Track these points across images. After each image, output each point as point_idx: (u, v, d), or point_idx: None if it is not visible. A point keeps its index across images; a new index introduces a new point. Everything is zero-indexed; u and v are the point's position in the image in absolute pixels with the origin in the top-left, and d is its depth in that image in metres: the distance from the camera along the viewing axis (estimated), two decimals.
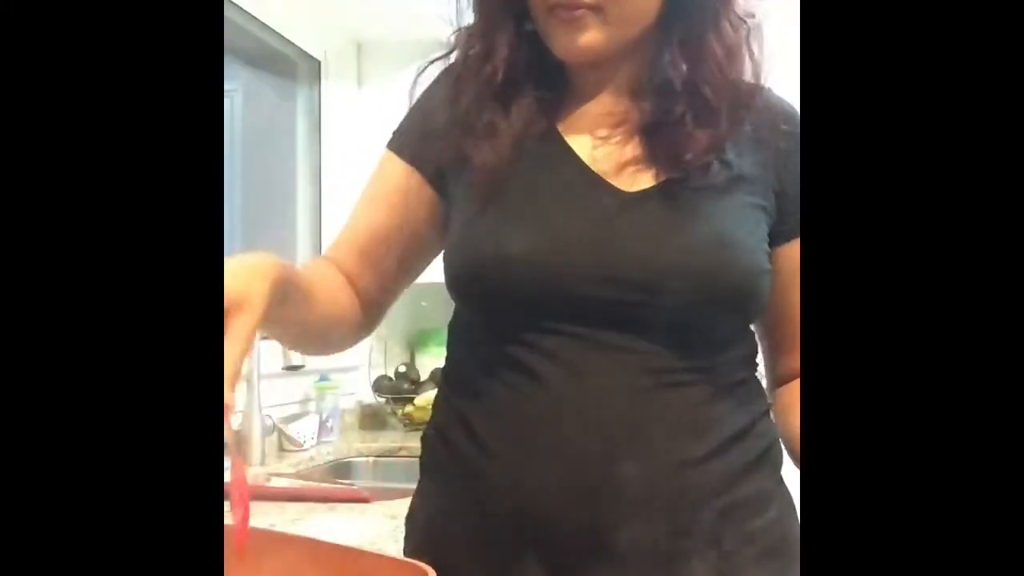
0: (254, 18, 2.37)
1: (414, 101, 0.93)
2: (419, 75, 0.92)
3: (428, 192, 0.90)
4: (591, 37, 0.80)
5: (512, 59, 0.84)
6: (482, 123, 0.84)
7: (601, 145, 0.83)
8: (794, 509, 0.85)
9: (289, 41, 2.55)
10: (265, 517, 1.48)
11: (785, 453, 0.87)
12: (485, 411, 0.82)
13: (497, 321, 0.83)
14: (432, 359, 2.93)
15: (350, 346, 0.94)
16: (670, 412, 0.78)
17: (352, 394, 2.72)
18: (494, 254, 0.80)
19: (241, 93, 2.59)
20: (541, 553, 0.79)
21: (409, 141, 0.92)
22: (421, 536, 0.88)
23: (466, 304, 0.86)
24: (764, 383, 0.91)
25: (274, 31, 2.47)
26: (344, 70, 2.75)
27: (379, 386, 2.75)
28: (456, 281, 0.84)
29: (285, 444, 2.21)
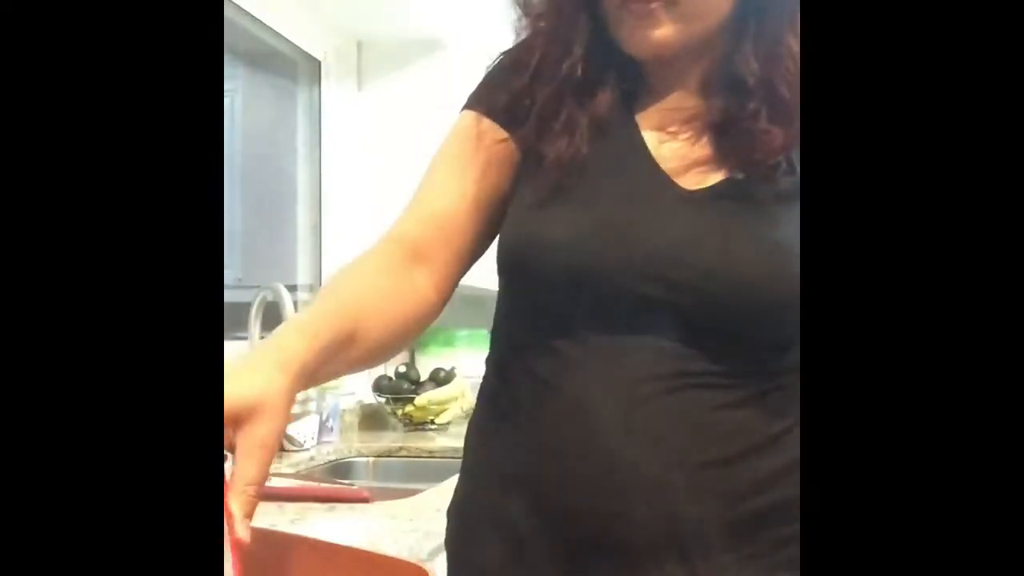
0: (254, 18, 2.37)
1: (491, 69, 0.89)
2: (493, 65, 0.88)
3: (518, 156, 0.86)
4: (665, 32, 0.78)
5: (589, 54, 0.83)
6: (560, 120, 0.82)
7: (670, 141, 0.82)
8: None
9: (289, 41, 2.55)
10: (265, 517, 1.48)
11: None
12: (514, 402, 0.82)
13: (536, 308, 0.81)
14: (432, 359, 2.92)
15: (422, 333, 0.89)
16: (696, 414, 0.77)
17: (352, 394, 2.72)
18: (547, 241, 0.78)
19: (241, 93, 2.59)
20: (558, 547, 0.78)
21: (499, 108, 0.87)
22: (452, 524, 0.89)
23: (509, 287, 0.84)
24: None
25: (274, 31, 2.47)
26: (344, 70, 2.74)
27: (379, 386, 2.75)
28: (503, 263, 0.82)
29: (285, 444, 2.20)
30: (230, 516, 0.59)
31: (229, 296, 2.23)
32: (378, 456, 2.40)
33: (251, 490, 0.59)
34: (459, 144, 0.88)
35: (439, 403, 2.68)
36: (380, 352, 0.83)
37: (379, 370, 2.82)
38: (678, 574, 0.77)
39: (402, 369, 2.81)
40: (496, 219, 0.87)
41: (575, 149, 0.81)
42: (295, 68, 2.70)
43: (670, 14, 0.78)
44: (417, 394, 2.70)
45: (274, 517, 1.48)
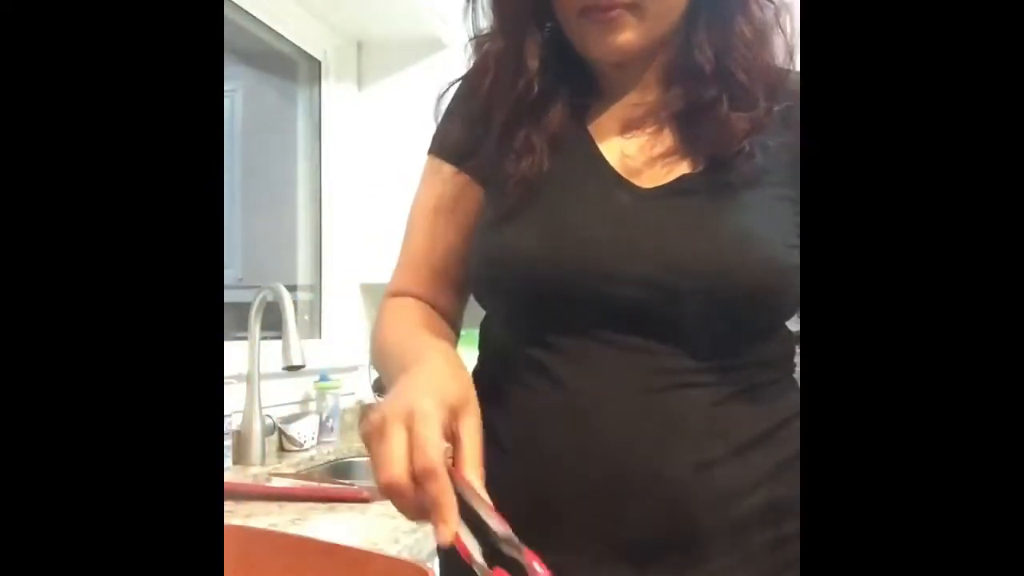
0: (254, 18, 2.37)
1: (444, 107, 0.92)
2: (442, 96, 0.90)
3: (483, 195, 0.89)
4: (628, 36, 0.79)
5: (542, 69, 0.83)
6: (519, 140, 0.83)
7: (630, 141, 0.82)
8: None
9: (289, 41, 2.55)
10: (265, 517, 1.48)
11: None
12: (504, 410, 0.82)
13: (516, 322, 0.83)
14: None
15: None
16: (686, 413, 0.77)
17: (352, 394, 2.72)
18: (511, 256, 0.80)
19: (241, 93, 2.59)
20: (552, 551, 0.78)
21: (455, 147, 0.90)
22: None
23: (487, 306, 0.86)
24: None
25: (274, 31, 2.47)
26: (344, 70, 2.74)
27: (379, 386, 2.75)
28: (478, 282, 0.84)
29: (285, 444, 2.20)
30: (470, 486, 0.66)
31: (229, 296, 2.24)
32: None
33: (481, 466, 0.66)
34: (427, 191, 0.92)
35: None
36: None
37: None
38: None
39: None
40: None
41: (537, 168, 0.82)
42: (295, 68, 2.70)
43: (633, 17, 0.78)
44: None
45: (274, 517, 1.48)
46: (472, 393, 0.71)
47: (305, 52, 2.63)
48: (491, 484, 0.81)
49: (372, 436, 0.67)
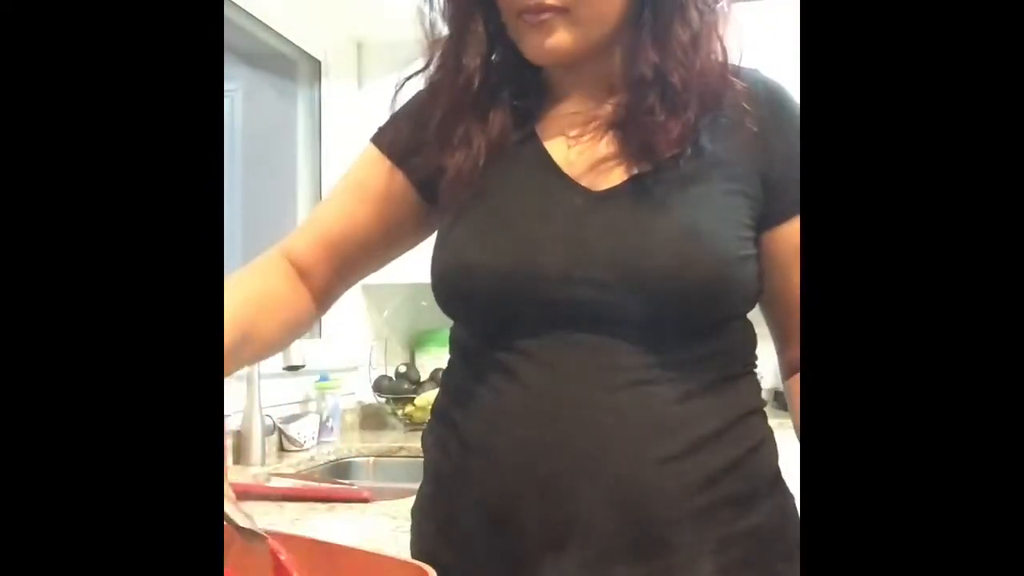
0: (254, 18, 2.37)
1: (398, 107, 0.94)
2: (398, 90, 0.93)
3: (413, 197, 0.91)
4: (559, 39, 0.80)
5: (485, 67, 0.85)
6: (458, 134, 0.85)
7: (575, 144, 0.84)
8: (794, 513, 0.84)
9: (289, 41, 2.55)
10: (265, 517, 1.48)
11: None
12: (469, 411, 0.83)
13: (477, 327, 0.85)
14: (432, 359, 2.93)
15: (299, 335, 0.96)
16: (645, 409, 0.78)
17: (352, 394, 2.72)
18: (463, 264, 0.82)
19: (241, 93, 2.59)
20: (509, 545, 0.79)
21: (397, 144, 0.92)
22: (415, 529, 0.91)
23: (447, 312, 0.87)
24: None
25: (274, 31, 2.47)
26: (344, 70, 2.75)
27: (379, 386, 2.75)
28: (435, 292, 0.85)
29: (285, 444, 2.21)
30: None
31: None
32: (378, 456, 2.40)
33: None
34: (359, 173, 0.94)
35: None
36: (269, 351, 0.90)
37: (379, 370, 2.82)
38: (635, 573, 0.77)
39: (402, 369, 2.82)
40: (388, 247, 0.94)
41: (473, 162, 0.83)
42: (295, 68, 2.70)
43: (564, 21, 0.79)
44: (417, 394, 2.70)
45: (274, 517, 1.48)
46: None
47: (305, 52, 2.63)
48: (457, 483, 0.83)
49: None
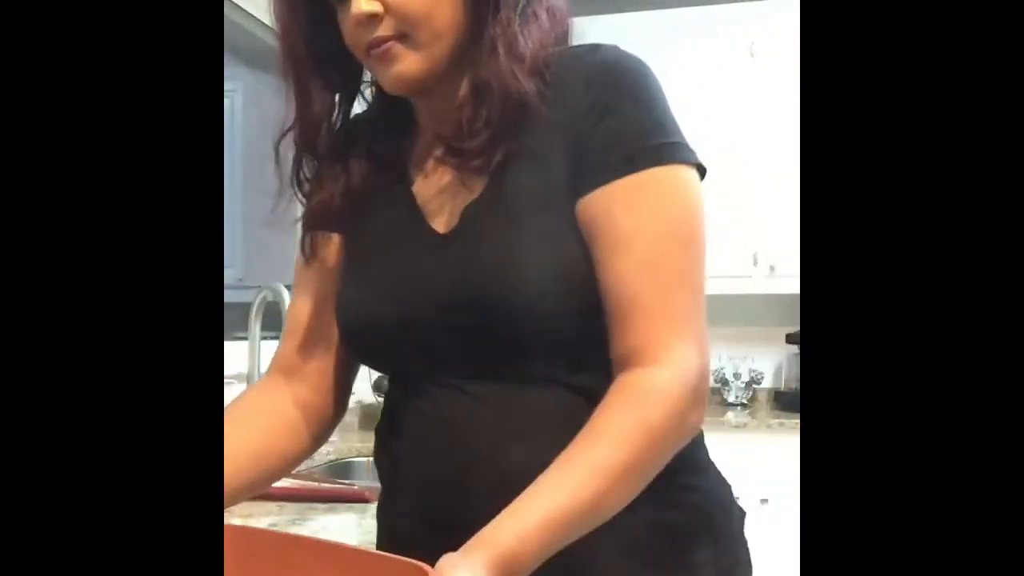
0: (254, 18, 2.37)
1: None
2: (276, 146, 0.94)
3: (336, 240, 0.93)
4: (406, 64, 0.80)
5: (336, 118, 0.89)
6: (322, 183, 0.89)
7: (428, 177, 0.86)
8: (677, 506, 0.84)
9: None
10: (265, 517, 1.48)
11: (693, 456, 0.84)
12: (400, 433, 0.88)
13: (374, 362, 0.92)
14: None
15: (320, 446, 0.99)
16: (542, 422, 0.80)
17: (352, 394, 2.71)
18: (343, 316, 0.87)
19: (241, 93, 2.59)
20: (429, 547, 0.80)
21: (309, 207, 0.94)
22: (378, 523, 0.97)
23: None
24: None
25: (274, 31, 2.47)
26: None
27: (379, 386, 2.75)
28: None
29: None
30: None
31: (229, 296, 2.23)
32: None
33: None
34: (298, 263, 0.96)
35: None
36: (270, 476, 0.93)
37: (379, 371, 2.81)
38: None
39: None
40: None
41: (327, 202, 0.88)
42: None
43: (404, 47, 0.80)
44: None
45: (274, 517, 1.48)
46: None
47: None
48: (390, 500, 0.90)
49: None
